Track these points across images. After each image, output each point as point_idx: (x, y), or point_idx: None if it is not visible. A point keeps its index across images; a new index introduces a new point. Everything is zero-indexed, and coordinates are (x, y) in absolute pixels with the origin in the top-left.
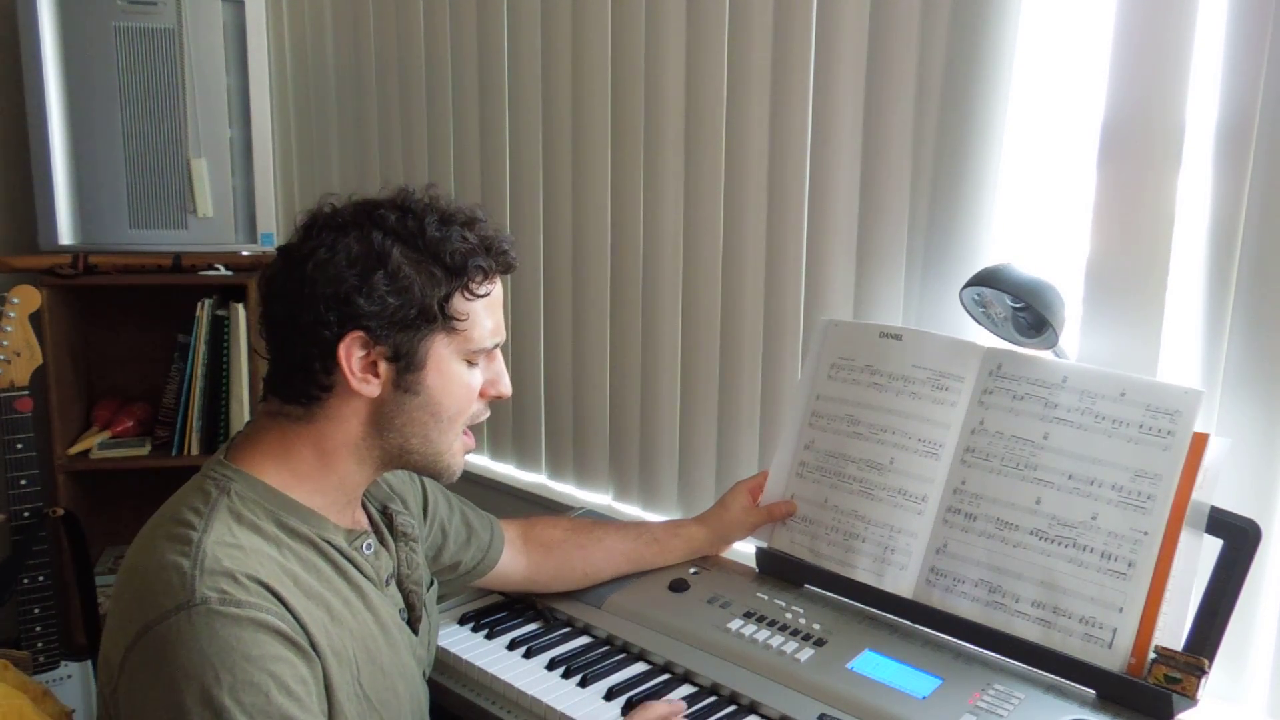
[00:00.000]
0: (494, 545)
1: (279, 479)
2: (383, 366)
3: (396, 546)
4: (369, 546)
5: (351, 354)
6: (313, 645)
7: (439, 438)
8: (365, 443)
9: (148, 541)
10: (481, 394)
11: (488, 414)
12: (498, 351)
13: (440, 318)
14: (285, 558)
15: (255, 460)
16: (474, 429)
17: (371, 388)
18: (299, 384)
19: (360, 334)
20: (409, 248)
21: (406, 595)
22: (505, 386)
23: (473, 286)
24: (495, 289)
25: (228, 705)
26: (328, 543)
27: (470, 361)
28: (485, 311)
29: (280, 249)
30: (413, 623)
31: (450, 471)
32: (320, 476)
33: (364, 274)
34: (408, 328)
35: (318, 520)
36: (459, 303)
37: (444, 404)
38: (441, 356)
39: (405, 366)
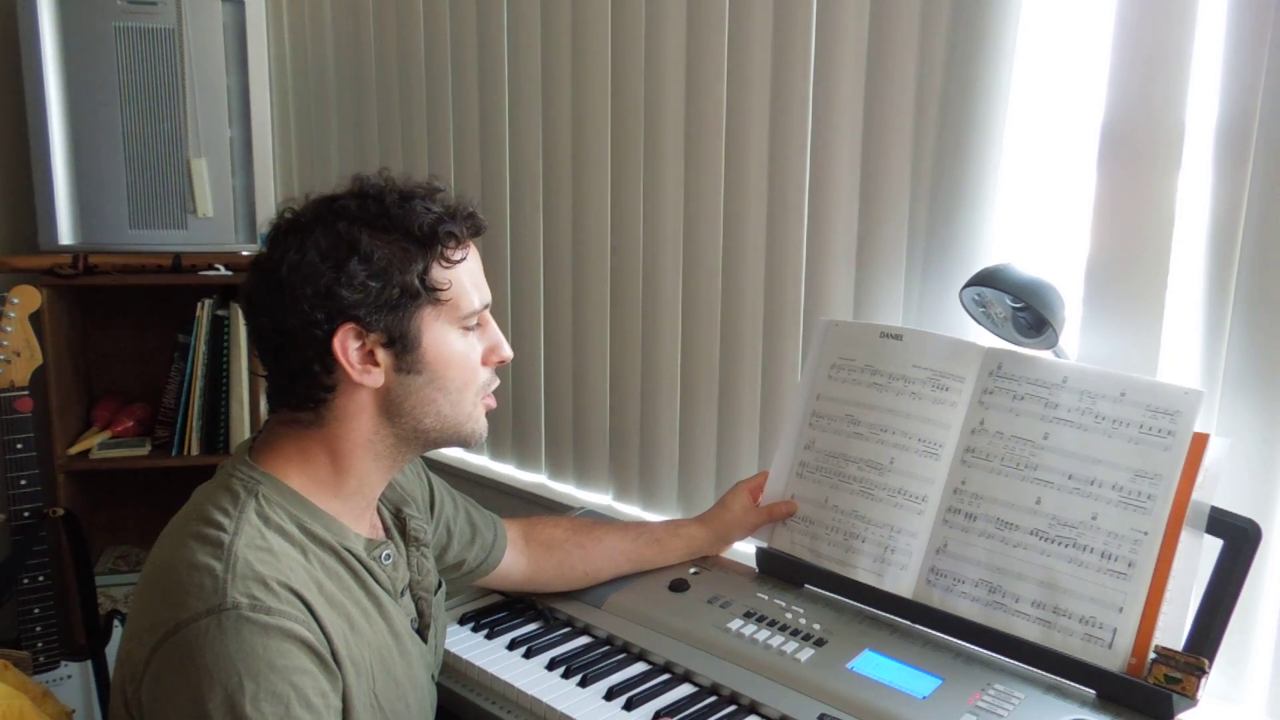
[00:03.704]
0: (497, 545)
1: (302, 483)
2: (380, 354)
3: (409, 552)
4: (388, 557)
5: (347, 347)
6: (335, 656)
7: (452, 410)
8: (379, 435)
9: (176, 540)
10: (485, 362)
11: (498, 382)
12: (490, 319)
13: (423, 291)
14: (311, 564)
15: (278, 464)
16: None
17: (374, 377)
18: (303, 390)
19: (351, 325)
20: (376, 229)
21: (416, 602)
22: (506, 350)
23: (447, 254)
24: (471, 253)
25: (249, 714)
26: (348, 551)
27: (465, 328)
28: (466, 277)
29: (252, 263)
30: (422, 630)
31: (475, 436)
32: (339, 482)
33: (339, 264)
34: (395, 308)
35: (339, 528)
36: (438, 273)
37: (448, 376)
38: (434, 329)
39: (402, 348)
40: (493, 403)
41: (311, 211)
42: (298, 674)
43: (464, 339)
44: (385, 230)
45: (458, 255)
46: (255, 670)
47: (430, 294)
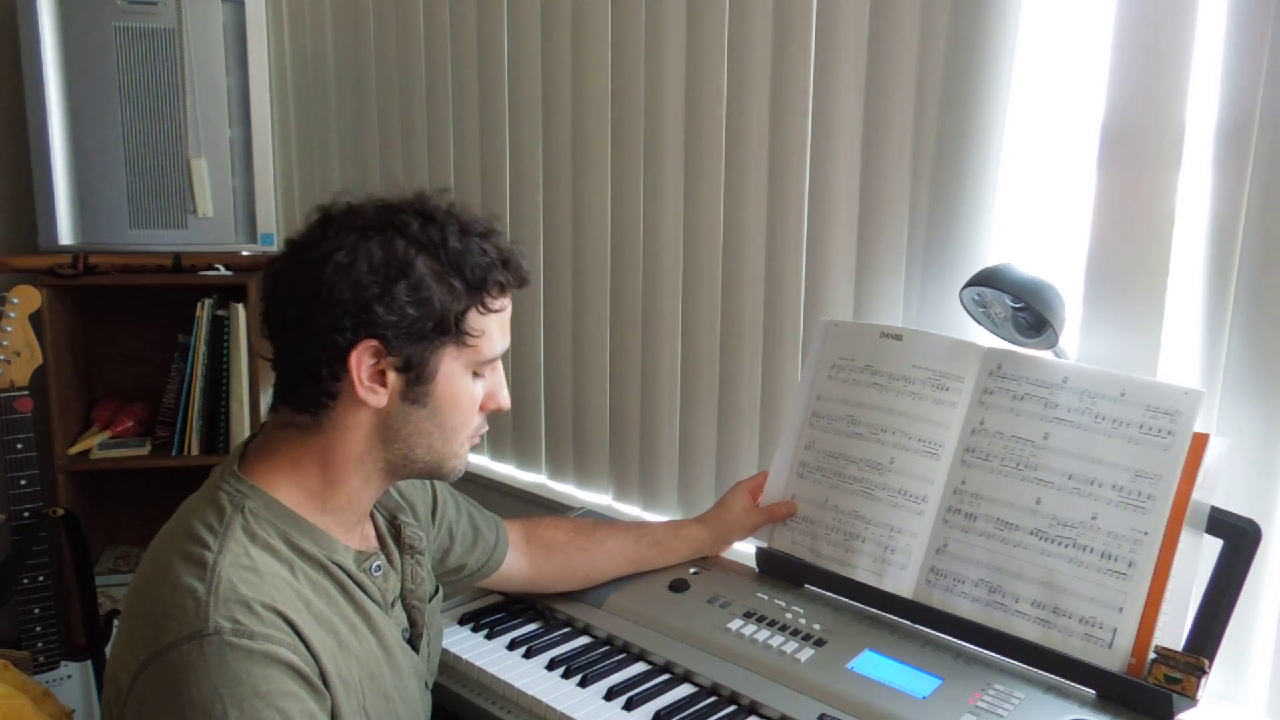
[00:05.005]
0: (499, 547)
1: (291, 496)
2: (391, 377)
3: (403, 561)
4: (378, 568)
5: (362, 362)
6: (323, 676)
7: (443, 447)
8: (370, 455)
9: (161, 558)
10: (481, 407)
11: (486, 428)
12: (499, 363)
13: (455, 331)
14: (298, 580)
15: (268, 475)
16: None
17: (379, 398)
18: (306, 391)
19: (374, 343)
20: (432, 258)
21: (409, 612)
22: (504, 399)
23: (489, 301)
24: (508, 303)
25: None
26: (337, 565)
27: (476, 373)
28: (497, 325)
29: (290, 244)
30: (414, 639)
31: (455, 472)
32: (329, 494)
33: (387, 282)
34: (422, 339)
35: (328, 541)
36: (474, 317)
37: (450, 415)
38: (451, 369)
39: (415, 378)
40: (476, 440)
41: (372, 215)
42: (283, 698)
43: (473, 382)
44: (440, 261)
45: (498, 304)
46: (239, 697)
47: (460, 335)
